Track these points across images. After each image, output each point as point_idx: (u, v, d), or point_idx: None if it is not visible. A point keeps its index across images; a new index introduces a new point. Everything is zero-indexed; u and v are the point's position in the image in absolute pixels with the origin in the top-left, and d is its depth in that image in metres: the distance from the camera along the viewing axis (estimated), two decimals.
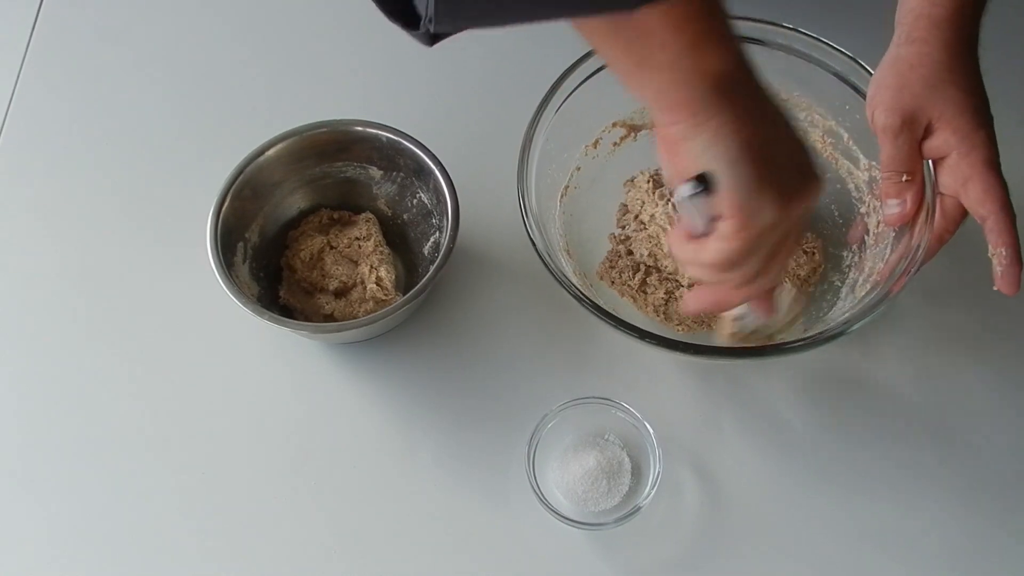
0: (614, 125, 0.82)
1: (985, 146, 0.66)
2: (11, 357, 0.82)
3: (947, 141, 0.66)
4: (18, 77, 0.94)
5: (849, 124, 0.78)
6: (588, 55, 0.76)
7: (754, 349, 0.71)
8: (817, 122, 0.80)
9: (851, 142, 0.78)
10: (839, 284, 0.79)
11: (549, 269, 0.71)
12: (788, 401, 0.78)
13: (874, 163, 0.77)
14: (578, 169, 0.81)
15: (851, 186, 0.80)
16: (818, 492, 0.75)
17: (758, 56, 0.75)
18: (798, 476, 0.75)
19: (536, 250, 0.71)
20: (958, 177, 0.67)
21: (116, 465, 0.77)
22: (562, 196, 0.80)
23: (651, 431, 0.74)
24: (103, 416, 0.79)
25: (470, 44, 0.95)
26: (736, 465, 0.76)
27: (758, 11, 0.76)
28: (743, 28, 0.73)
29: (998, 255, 0.66)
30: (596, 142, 0.81)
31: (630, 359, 0.79)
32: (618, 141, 0.83)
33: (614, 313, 0.70)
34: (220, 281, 0.75)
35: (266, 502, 0.76)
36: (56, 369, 0.81)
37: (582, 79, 0.77)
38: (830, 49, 0.76)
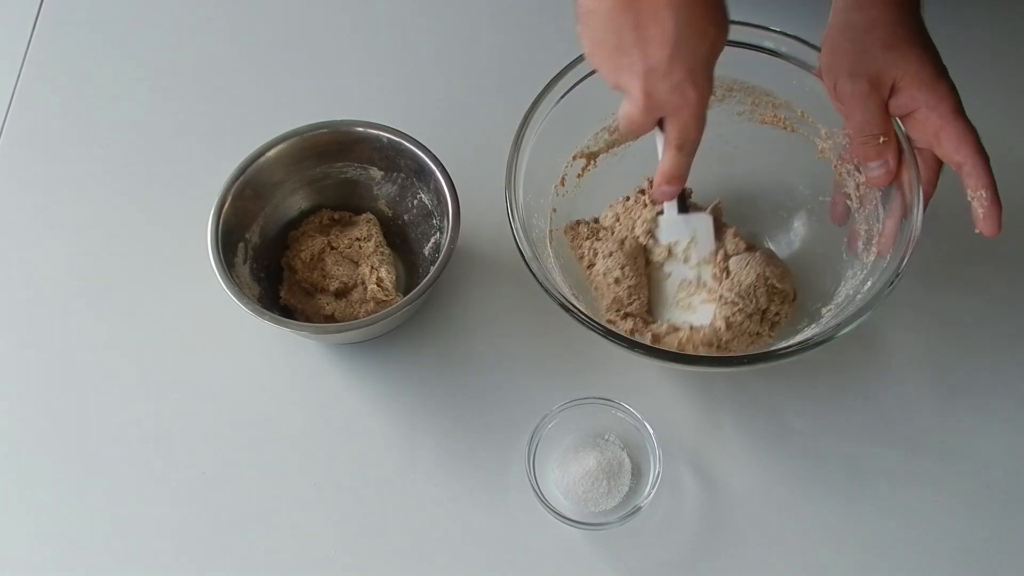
0: (574, 158, 0.81)
1: (950, 95, 0.67)
2: (11, 357, 0.82)
3: (914, 97, 0.68)
4: (18, 77, 0.94)
5: (799, 96, 0.78)
6: (540, 98, 0.76)
7: (750, 356, 0.70)
8: (765, 102, 0.80)
9: (806, 114, 0.78)
10: (837, 255, 0.78)
11: (541, 283, 0.71)
12: (787, 401, 0.78)
13: (835, 130, 0.76)
14: (554, 211, 0.80)
15: (818, 158, 0.79)
16: (818, 492, 0.75)
17: None
18: (798, 476, 0.76)
19: (526, 264, 0.71)
20: (929, 129, 0.68)
21: (116, 464, 0.77)
22: (550, 241, 0.79)
23: (651, 431, 0.74)
24: (103, 415, 0.79)
25: (471, 44, 0.96)
26: (736, 465, 0.76)
27: None
28: None
29: (978, 197, 0.67)
30: (563, 179, 0.80)
31: (630, 360, 0.79)
32: (580, 172, 0.81)
33: (606, 325, 0.70)
34: (220, 281, 0.75)
35: (266, 502, 0.76)
36: (56, 368, 0.81)
37: (544, 116, 0.76)
38: (761, 30, 0.76)
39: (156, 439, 0.78)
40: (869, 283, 0.72)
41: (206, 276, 0.76)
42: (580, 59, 0.75)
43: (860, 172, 0.75)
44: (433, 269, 0.76)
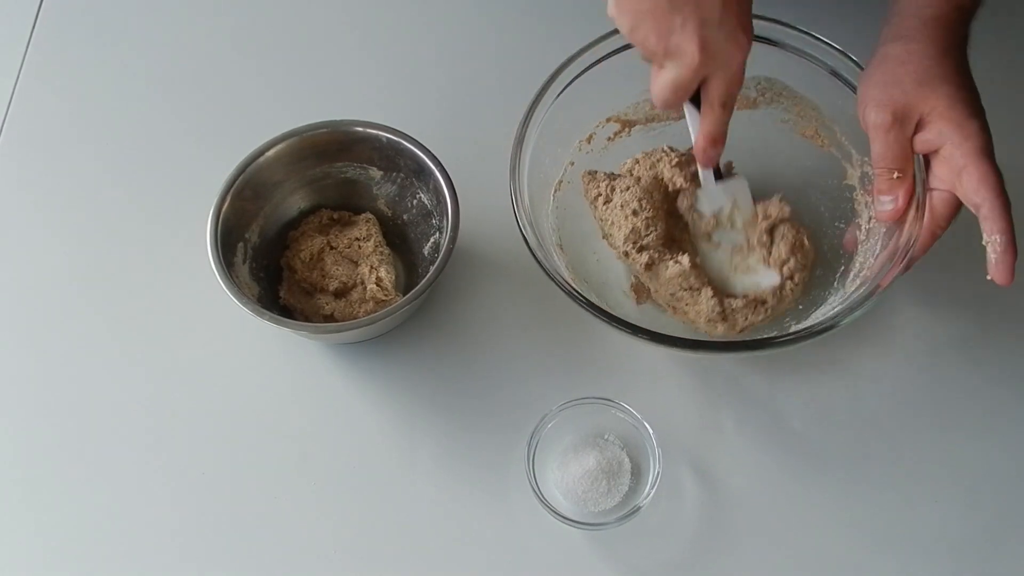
0: (608, 120, 0.81)
1: (979, 135, 0.66)
2: (11, 357, 0.82)
3: (941, 132, 0.66)
4: (18, 77, 0.94)
5: (842, 120, 0.78)
6: (585, 50, 0.76)
7: (743, 343, 0.72)
8: (810, 116, 0.80)
9: (843, 137, 0.78)
10: (830, 280, 0.79)
11: (540, 263, 0.71)
12: (787, 400, 0.78)
13: (866, 159, 0.76)
14: (571, 164, 0.81)
15: (844, 182, 0.80)
16: (818, 491, 0.75)
17: (753, 52, 0.74)
18: (798, 475, 0.76)
19: (528, 245, 0.72)
20: (953, 167, 0.67)
21: (116, 464, 0.77)
22: (555, 191, 0.80)
23: (651, 431, 0.74)
24: (102, 416, 0.79)
25: (471, 44, 0.96)
26: (736, 465, 0.76)
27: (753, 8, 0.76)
28: None
29: (992, 243, 0.65)
30: (590, 137, 0.81)
31: (630, 359, 0.80)
32: (612, 136, 0.82)
33: (606, 308, 0.70)
34: (220, 281, 0.75)
35: (267, 502, 0.76)
36: (55, 369, 0.81)
37: (578, 72, 0.77)
38: (822, 45, 0.76)
39: (156, 439, 0.78)
40: (838, 308, 0.72)
41: (205, 276, 0.76)
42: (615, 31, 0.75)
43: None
44: (432, 269, 0.76)
